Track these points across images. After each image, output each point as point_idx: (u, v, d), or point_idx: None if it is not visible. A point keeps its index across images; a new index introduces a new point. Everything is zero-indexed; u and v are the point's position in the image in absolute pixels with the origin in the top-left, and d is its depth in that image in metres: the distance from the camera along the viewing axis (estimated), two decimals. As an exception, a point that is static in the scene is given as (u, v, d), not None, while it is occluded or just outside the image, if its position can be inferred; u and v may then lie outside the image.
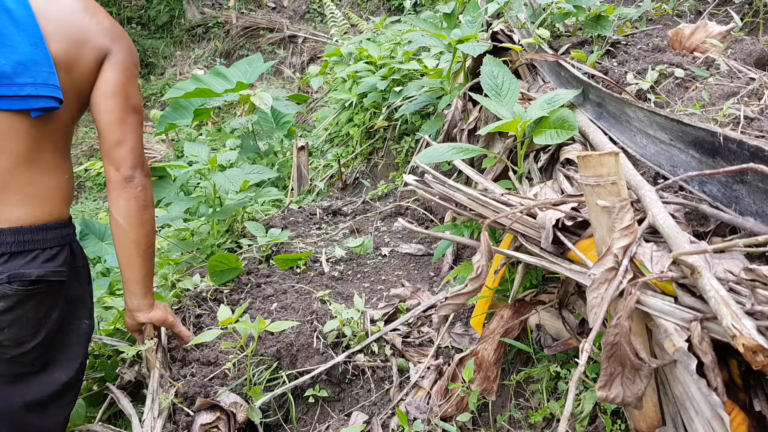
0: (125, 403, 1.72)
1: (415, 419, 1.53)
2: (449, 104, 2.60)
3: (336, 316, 1.83)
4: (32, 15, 1.30)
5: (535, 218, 1.36)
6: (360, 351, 1.76)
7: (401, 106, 3.29)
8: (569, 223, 1.28)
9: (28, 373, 1.41)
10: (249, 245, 2.57)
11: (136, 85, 1.51)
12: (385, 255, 2.51)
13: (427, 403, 1.58)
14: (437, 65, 3.16)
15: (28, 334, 1.36)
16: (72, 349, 1.48)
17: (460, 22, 2.78)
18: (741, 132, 1.37)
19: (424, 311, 1.93)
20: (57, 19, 1.35)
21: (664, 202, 1.17)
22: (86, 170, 5.94)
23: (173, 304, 2.12)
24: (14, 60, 1.26)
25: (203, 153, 2.54)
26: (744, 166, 1.01)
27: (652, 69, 1.83)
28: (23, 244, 1.33)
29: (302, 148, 3.71)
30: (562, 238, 1.26)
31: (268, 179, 3.72)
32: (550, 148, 1.79)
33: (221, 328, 1.73)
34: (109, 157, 1.46)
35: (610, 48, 2.16)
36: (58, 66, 1.32)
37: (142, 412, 1.62)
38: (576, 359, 1.44)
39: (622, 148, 1.57)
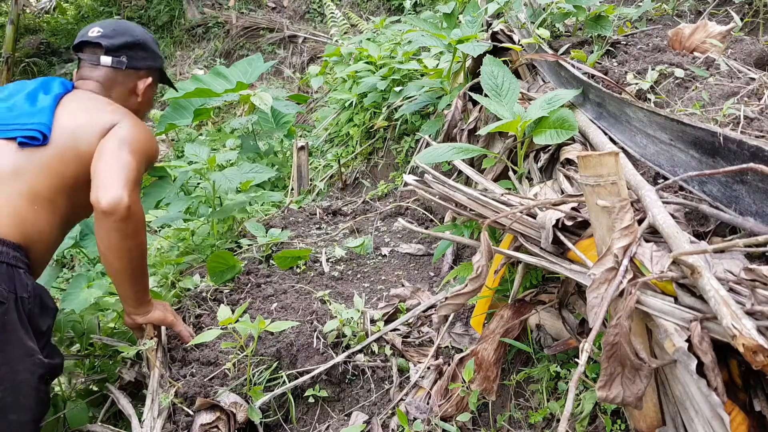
0: (125, 404, 1.72)
1: (415, 419, 1.53)
2: (449, 104, 2.60)
3: (336, 316, 1.83)
4: (55, 97, 1.60)
5: (535, 218, 1.36)
6: (360, 351, 1.76)
7: (401, 106, 3.29)
8: (569, 223, 1.28)
9: None
10: (249, 245, 2.57)
11: (136, 153, 1.55)
12: (385, 255, 2.51)
13: (427, 403, 1.58)
14: (437, 65, 3.16)
15: None
16: (22, 387, 1.36)
17: (460, 22, 2.78)
18: (741, 132, 1.37)
19: (424, 311, 1.93)
20: (78, 101, 1.64)
21: (664, 202, 1.17)
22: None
23: (173, 304, 2.12)
24: (20, 112, 1.54)
25: (203, 153, 2.54)
26: (744, 166, 1.01)
27: (652, 69, 1.83)
28: None
29: (302, 148, 3.71)
30: (562, 238, 1.26)
31: (269, 179, 3.72)
32: (550, 148, 1.79)
33: (221, 328, 1.73)
34: (92, 187, 1.47)
35: (610, 48, 2.16)
36: (64, 130, 1.53)
37: (142, 412, 1.62)
38: (576, 359, 1.44)
39: (622, 148, 1.57)
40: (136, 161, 1.54)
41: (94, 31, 1.73)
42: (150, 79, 1.84)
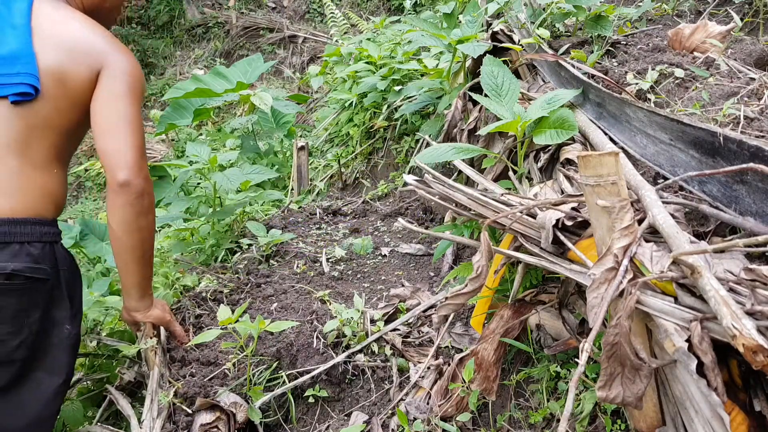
0: (124, 404, 1.72)
1: (415, 419, 1.53)
2: (449, 104, 2.60)
3: (336, 316, 1.83)
4: (28, 24, 1.42)
5: (535, 218, 1.36)
6: (360, 351, 1.76)
7: (401, 106, 3.29)
8: (569, 223, 1.27)
9: (17, 378, 1.38)
10: (249, 245, 2.57)
11: (134, 96, 1.49)
12: (385, 255, 2.51)
13: (427, 403, 1.58)
14: (437, 65, 3.16)
15: (10, 332, 1.34)
16: (56, 352, 1.44)
17: (460, 22, 2.78)
18: (741, 132, 1.37)
19: (424, 311, 1.93)
20: (54, 32, 1.45)
21: (664, 202, 1.17)
22: (86, 170, 5.94)
23: (173, 304, 2.12)
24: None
25: (204, 153, 2.54)
26: (744, 166, 1.01)
27: (652, 69, 1.83)
28: (1, 236, 1.32)
29: (302, 148, 3.71)
30: (562, 238, 1.26)
31: (269, 179, 3.72)
32: (550, 148, 1.79)
33: (221, 328, 1.73)
34: (104, 163, 1.46)
35: (610, 48, 2.16)
36: (51, 75, 1.41)
37: (142, 412, 1.62)
38: (576, 359, 1.44)
39: (622, 148, 1.57)
40: (137, 115, 1.49)
41: None
42: None
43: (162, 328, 1.83)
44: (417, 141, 3.29)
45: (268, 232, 2.55)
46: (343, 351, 1.76)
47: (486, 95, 1.87)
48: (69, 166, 1.59)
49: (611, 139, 1.63)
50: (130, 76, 1.49)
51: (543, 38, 2.20)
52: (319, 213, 3.08)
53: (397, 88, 3.41)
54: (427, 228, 2.58)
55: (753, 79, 1.66)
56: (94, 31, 1.51)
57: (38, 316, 1.38)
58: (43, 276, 1.38)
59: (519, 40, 2.27)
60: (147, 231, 1.51)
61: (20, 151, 1.39)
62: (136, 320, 1.68)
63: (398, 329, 1.85)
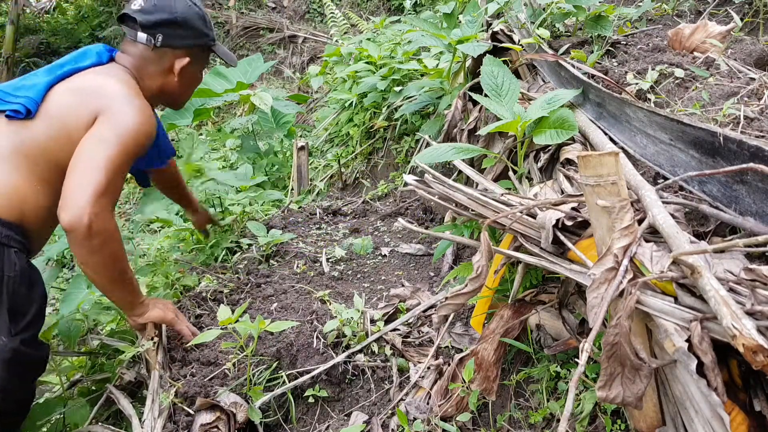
0: (125, 404, 1.72)
1: (415, 419, 1.53)
2: (449, 104, 2.60)
3: (336, 316, 1.83)
4: (67, 73, 1.59)
5: (535, 218, 1.36)
6: (360, 351, 1.76)
7: (401, 106, 3.29)
8: (569, 223, 1.28)
9: None
10: (249, 245, 2.57)
11: (118, 146, 1.48)
12: (385, 255, 2.51)
13: (427, 403, 1.58)
14: (437, 65, 3.17)
15: None
16: None
17: (460, 22, 2.78)
18: (741, 132, 1.37)
19: (424, 311, 1.93)
20: (82, 81, 1.59)
21: (664, 202, 1.17)
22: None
23: (172, 303, 2.12)
24: (24, 84, 1.55)
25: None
26: (744, 166, 1.01)
27: (652, 69, 1.83)
28: None
29: (302, 148, 3.71)
30: (562, 238, 1.26)
31: (269, 179, 3.72)
32: (550, 148, 1.79)
33: (221, 328, 1.73)
34: (59, 202, 1.43)
35: (610, 48, 2.16)
36: (56, 107, 1.52)
37: (143, 412, 1.62)
38: (576, 359, 1.44)
39: (622, 148, 1.57)
40: (114, 160, 1.46)
41: (135, 4, 1.69)
42: (187, 59, 1.76)
43: (164, 328, 1.83)
44: (417, 141, 3.29)
45: (268, 232, 2.55)
46: (343, 351, 1.76)
47: (486, 95, 1.87)
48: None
49: (611, 139, 1.63)
50: (124, 128, 1.51)
51: (543, 38, 2.20)
52: (319, 213, 3.08)
53: (397, 88, 3.42)
54: (427, 228, 2.58)
55: (753, 79, 1.66)
56: (116, 84, 1.59)
57: None
58: None
59: (519, 40, 2.27)
60: (107, 265, 1.48)
61: (5, 157, 1.44)
62: (139, 323, 1.72)
63: (398, 329, 1.85)
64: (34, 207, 1.47)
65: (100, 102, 1.53)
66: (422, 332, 1.86)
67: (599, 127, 1.68)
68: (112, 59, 1.72)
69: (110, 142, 1.48)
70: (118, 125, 1.50)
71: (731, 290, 0.91)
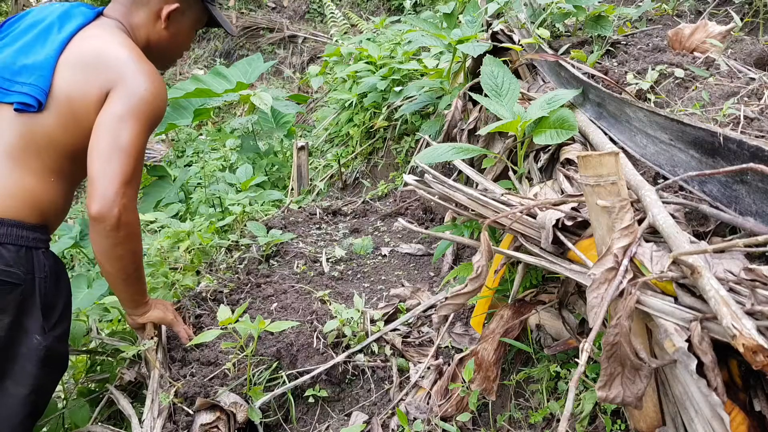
0: (125, 404, 1.72)
1: (415, 419, 1.53)
2: (449, 104, 2.60)
3: (336, 316, 1.83)
4: (65, 41, 1.46)
5: (535, 218, 1.36)
6: (360, 351, 1.76)
7: (401, 106, 3.29)
8: (569, 223, 1.28)
9: None
10: (249, 245, 2.57)
11: (137, 120, 1.42)
12: (385, 255, 2.51)
13: (427, 403, 1.58)
14: (437, 65, 3.17)
15: None
16: (24, 362, 1.39)
17: (460, 22, 2.78)
18: (741, 132, 1.37)
19: (424, 311, 1.93)
20: (80, 49, 1.47)
21: (664, 202, 1.17)
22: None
23: (172, 304, 2.12)
24: (24, 63, 1.43)
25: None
26: (744, 166, 1.01)
27: (652, 69, 1.83)
28: None
29: (302, 148, 3.71)
30: (562, 238, 1.26)
31: (269, 179, 3.72)
32: (550, 148, 1.79)
33: (221, 328, 1.73)
34: (88, 188, 1.40)
35: (610, 48, 2.16)
36: (62, 92, 1.42)
37: (142, 412, 1.62)
38: (576, 359, 1.44)
39: (622, 148, 1.57)
40: (136, 142, 1.41)
41: None
42: (176, 5, 1.61)
43: (164, 328, 1.83)
44: (417, 141, 3.29)
45: (268, 232, 2.55)
46: (343, 351, 1.76)
47: (486, 95, 1.87)
48: (78, 184, 1.57)
49: (611, 139, 1.63)
50: (140, 99, 1.42)
51: (543, 38, 2.20)
52: (319, 213, 3.08)
53: (397, 88, 3.42)
54: (427, 228, 2.58)
55: (753, 79, 1.66)
56: (118, 50, 1.47)
57: (7, 321, 1.34)
58: (14, 280, 1.34)
59: (519, 40, 2.27)
60: (126, 259, 1.47)
61: (16, 156, 1.39)
62: (139, 323, 1.71)
63: (398, 329, 1.85)
64: (52, 201, 1.45)
65: (107, 76, 1.43)
66: (422, 332, 1.86)
67: (599, 127, 1.68)
68: (99, 14, 1.59)
69: (130, 120, 1.40)
70: (134, 99, 1.42)
71: (731, 290, 0.91)
